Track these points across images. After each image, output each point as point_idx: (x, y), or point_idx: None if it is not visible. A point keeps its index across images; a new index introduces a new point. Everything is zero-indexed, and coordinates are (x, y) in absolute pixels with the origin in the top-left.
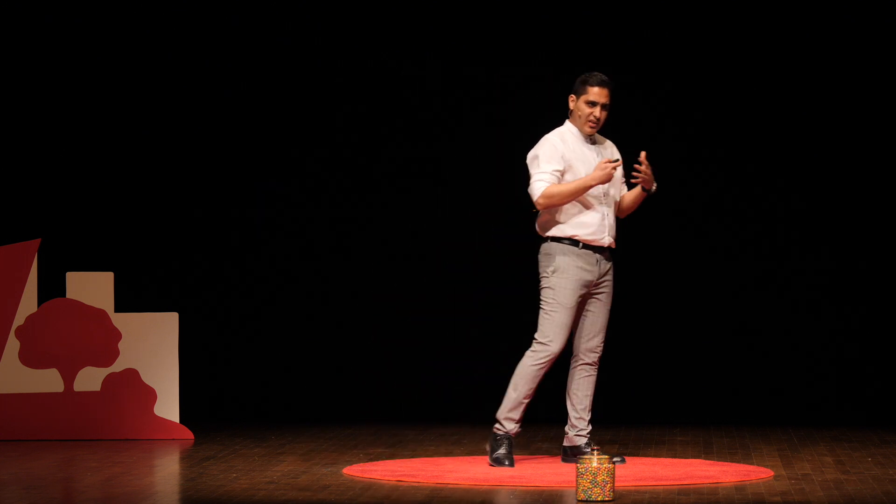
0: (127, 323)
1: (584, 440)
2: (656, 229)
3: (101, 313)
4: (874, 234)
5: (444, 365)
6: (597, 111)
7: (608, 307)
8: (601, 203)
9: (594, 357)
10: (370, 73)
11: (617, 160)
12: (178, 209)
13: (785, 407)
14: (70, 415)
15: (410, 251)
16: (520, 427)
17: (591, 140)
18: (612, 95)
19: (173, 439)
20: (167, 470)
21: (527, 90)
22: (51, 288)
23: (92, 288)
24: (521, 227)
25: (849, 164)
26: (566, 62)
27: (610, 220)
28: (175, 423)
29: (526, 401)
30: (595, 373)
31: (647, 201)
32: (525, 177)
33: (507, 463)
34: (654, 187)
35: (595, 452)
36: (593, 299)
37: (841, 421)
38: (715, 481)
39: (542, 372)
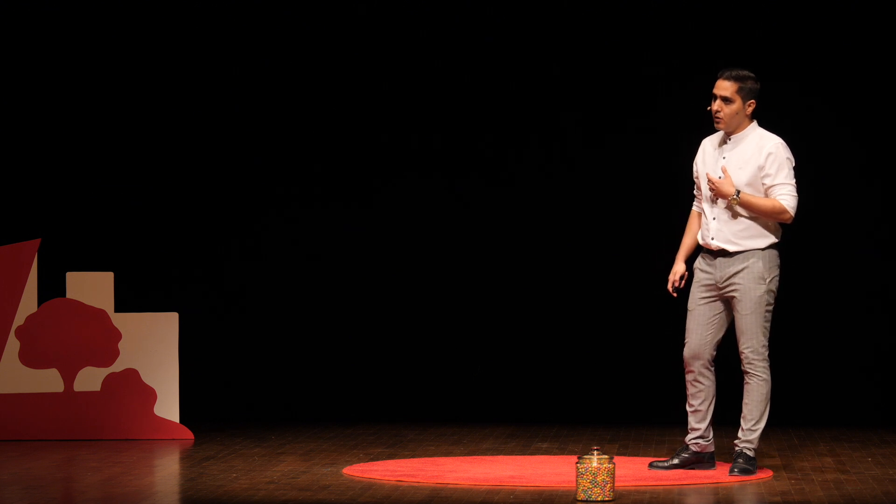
0: (127, 323)
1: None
2: (656, 229)
3: (101, 313)
4: (875, 234)
5: (444, 365)
6: (716, 104)
7: (743, 311)
8: (711, 205)
9: (744, 361)
10: (368, 73)
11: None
12: (179, 209)
13: (785, 407)
14: (70, 415)
15: (411, 251)
16: (690, 440)
17: (728, 139)
18: (737, 88)
19: (173, 439)
20: (167, 470)
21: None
22: (51, 288)
23: (92, 288)
24: (521, 227)
25: None
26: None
27: (719, 223)
28: (175, 423)
29: (688, 409)
30: (751, 380)
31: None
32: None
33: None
34: (729, 200)
35: (595, 452)
36: (728, 302)
37: (841, 421)
38: (715, 481)
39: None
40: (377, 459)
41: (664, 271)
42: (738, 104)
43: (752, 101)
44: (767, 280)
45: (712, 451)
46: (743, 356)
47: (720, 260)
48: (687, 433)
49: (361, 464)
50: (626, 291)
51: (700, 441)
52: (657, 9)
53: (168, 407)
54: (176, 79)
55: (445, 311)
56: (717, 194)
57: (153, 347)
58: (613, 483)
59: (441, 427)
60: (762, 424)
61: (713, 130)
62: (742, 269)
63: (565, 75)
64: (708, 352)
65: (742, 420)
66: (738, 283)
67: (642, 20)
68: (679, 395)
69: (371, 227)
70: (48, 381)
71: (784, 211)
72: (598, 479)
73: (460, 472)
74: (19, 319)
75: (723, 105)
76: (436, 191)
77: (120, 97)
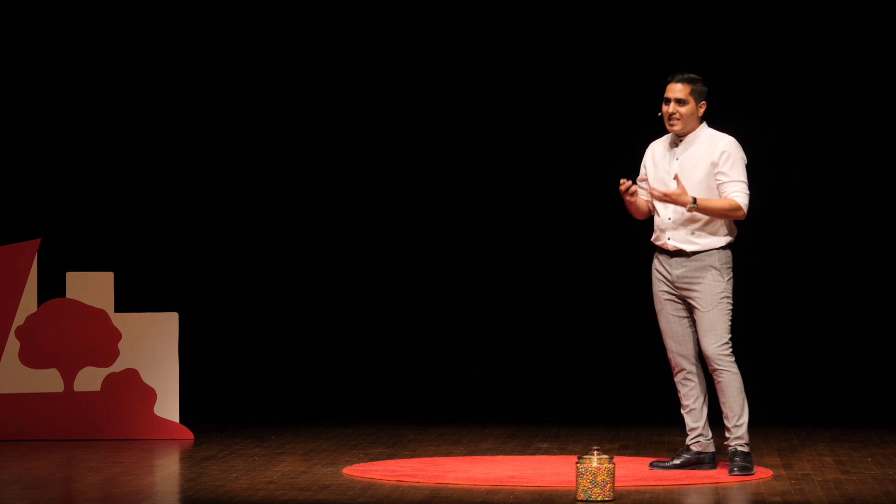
0: (127, 323)
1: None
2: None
3: (101, 313)
4: (875, 234)
5: (444, 365)
6: (671, 107)
7: (704, 309)
8: (665, 205)
9: (711, 359)
10: (368, 73)
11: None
12: (179, 209)
13: (785, 407)
14: (70, 415)
15: (411, 251)
16: (690, 440)
17: (679, 141)
18: (690, 90)
19: (173, 439)
20: (167, 470)
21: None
22: (51, 288)
23: (92, 288)
24: (521, 227)
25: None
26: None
27: (675, 224)
28: (175, 423)
29: (682, 411)
30: (721, 377)
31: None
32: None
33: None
34: (688, 209)
35: (595, 452)
36: (688, 304)
37: (841, 421)
38: (715, 481)
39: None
40: (377, 459)
41: None
42: (691, 105)
43: (703, 102)
44: (726, 278)
45: (713, 452)
46: (707, 354)
47: (676, 259)
48: (686, 435)
49: (361, 464)
50: (625, 292)
51: (700, 440)
52: (657, 9)
53: (168, 407)
54: (176, 79)
55: (445, 311)
56: (674, 204)
57: (153, 347)
58: (613, 483)
59: (441, 427)
60: (745, 418)
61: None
62: (700, 268)
63: (565, 75)
64: (691, 348)
65: (725, 420)
66: (697, 283)
67: (642, 20)
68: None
69: (371, 228)
70: (48, 381)
71: (738, 208)
72: (598, 479)
73: (460, 472)
74: (19, 319)
75: (678, 107)
76: (436, 191)
77: (120, 97)
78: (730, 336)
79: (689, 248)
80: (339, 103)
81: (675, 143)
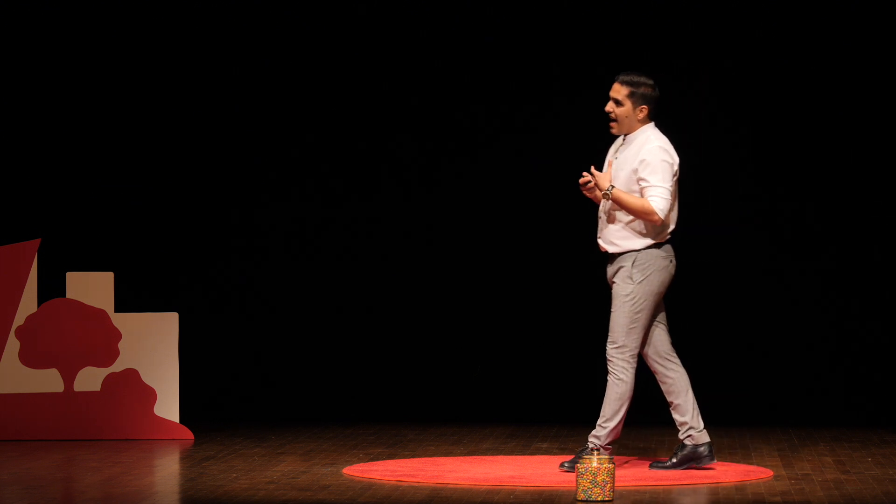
0: (127, 323)
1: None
2: None
3: (101, 313)
4: (875, 234)
5: (444, 365)
6: (608, 106)
7: (612, 309)
8: (599, 207)
9: (607, 357)
10: (368, 73)
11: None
12: (179, 209)
13: (785, 407)
14: (70, 415)
15: (411, 251)
16: (681, 434)
17: (623, 140)
18: (629, 93)
19: (173, 439)
20: (167, 470)
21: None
22: (51, 288)
23: (92, 288)
24: (520, 227)
25: (851, 163)
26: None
27: (602, 224)
28: (175, 423)
29: (670, 408)
30: (608, 377)
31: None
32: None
33: None
34: (600, 194)
35: (595, 452)
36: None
37: (841, 421)
38: (715, 481)
39: None
40: (377, 459)
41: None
42: (627, 107)
43: (644, 106)
44: (638, 281)
45: (708, 441)
46: (606, 351)
47: (608, 262)
48: (678, 431)
49: (361, 464)
50: None
51: (692, 433)
52: (656, 9)
53: (168, 407)
54: (176, 79)
55: (445, 311)
56: (596, 187)
57: (153, 347)
58: (613, 483)
59: (441, 427)
60: (613, 423)
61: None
62: (619, 269)
63: (565, 75)
64: (660, 345)
65: (600, 417)
66: (615, 282)
67: (641, 20)
68: None
69: (371, 228)
70: (48, 381)
71: (652, 212)
72: (598, 479)
73: (460, 472)
74: (19, 319)
75: (614, 106)
76: (436, 190)
77: (120, 97)
78: (631, 342)
79: (611, 248)
80: (340, 103)
81: (622, 141)
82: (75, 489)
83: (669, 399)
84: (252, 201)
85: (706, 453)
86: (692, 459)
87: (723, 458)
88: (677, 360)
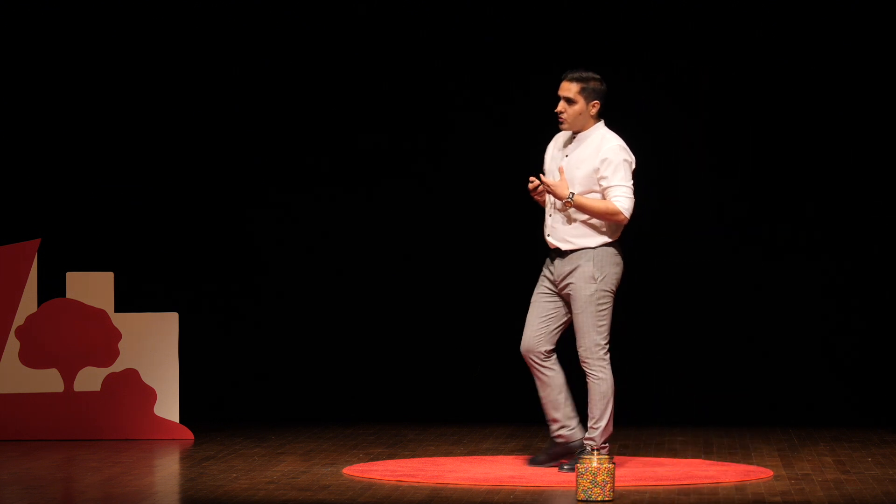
0: (127, 323)
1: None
2: (654, 229)
3: (101, 313)
4: (875, 234)
5: (444, 365)
6: (559, 106)
7: (576, 311)
8: (550, 205)
9: (581, 360)
10: (368, 73)
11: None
12: (179, 209)
13: (785, 407)
14: (70, 415)
15: (411, 251)
16: (553, 432)
17: (574, 137)
18: (580, 89)
19: (173, 439)
20: (167, 470)
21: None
22: (51, 288)
23: (92, 288)
24: (520, 227)
25: (852, 164)
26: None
27: (554, 221)
28: (175, 423)
29: (541, 402)
30: (588, 379)
31: (643, 203)
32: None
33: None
34: (564, 202)
35: (595, 452)
36: (566, 300)
37: (841, 421)
38: (715, 481)
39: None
40: (377, 459)
41: (662, 272)
42: (580, 105)
43: (597, 101)
44: (598, 279)
45: (580, 438)
46: (579, 355)
47: (557, 259)
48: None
49: (361, 464)
50: (624, 292)
51: (563, 432)
52: (656, 9)
53: (168, 407)
54: (176, 79)
55: (445, 311)
56: (553, 196)
57: (153, 347)
58: (613, 483)
59: (441, 427)
60: (604, 422)
61: None
62: (575, 269)
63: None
64: (542, 345)
65: (589, 419)
66: (572, 283)
67: (641, 20)
68: (680, 396)
69: (371, 228)
70: (48, 381)
71: (617, 212)
72: (598, 479)
73: (460, 472)
74: (19, 319)
75: (566, 106)
76: (436, 190)
77: (119, 97)
78: (603, 339)
79: (564, 246)
80: (340, 103)
81: (571, 139)
82: (75, 489)
83: (540, 393)
84: (252, 201)
85: (577, 450)
86: (563, 455)
87: (723, 458)
88: (554, 360)
